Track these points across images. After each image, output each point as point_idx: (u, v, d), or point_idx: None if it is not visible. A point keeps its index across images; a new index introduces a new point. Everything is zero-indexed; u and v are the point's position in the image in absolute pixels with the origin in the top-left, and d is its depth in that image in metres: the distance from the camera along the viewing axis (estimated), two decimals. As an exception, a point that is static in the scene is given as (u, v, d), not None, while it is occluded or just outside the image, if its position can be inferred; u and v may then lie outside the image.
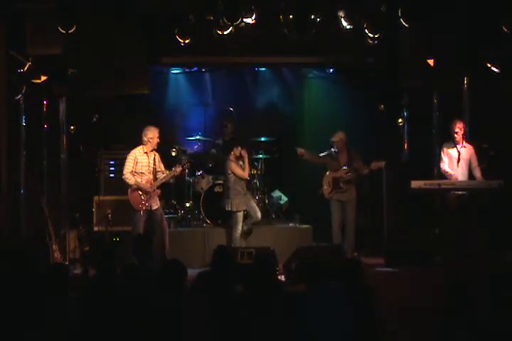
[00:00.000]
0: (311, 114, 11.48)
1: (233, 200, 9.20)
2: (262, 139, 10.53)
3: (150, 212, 8.69)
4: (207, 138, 10.71)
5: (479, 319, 4.59)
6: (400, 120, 10.35)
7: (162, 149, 9.11)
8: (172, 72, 11.28)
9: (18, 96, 8.77)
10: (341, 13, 8.65)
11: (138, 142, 8.79)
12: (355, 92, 10.66)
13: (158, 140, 8.76)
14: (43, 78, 8.89)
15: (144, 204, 8.59)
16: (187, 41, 8.64)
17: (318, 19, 8.52)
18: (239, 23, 8.46)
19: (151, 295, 4.99)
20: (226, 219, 9.65)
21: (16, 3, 8.47)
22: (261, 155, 10.45)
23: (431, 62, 8.93)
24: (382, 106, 10.39)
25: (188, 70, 11.37)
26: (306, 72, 11.46)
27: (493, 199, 8.79)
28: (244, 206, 9.26)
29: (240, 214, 9.24)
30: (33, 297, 4.88)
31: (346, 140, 9.43)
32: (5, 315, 4.75)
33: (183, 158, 9.42)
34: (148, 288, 5.20)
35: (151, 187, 8.65)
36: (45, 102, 9.38)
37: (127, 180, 8.64)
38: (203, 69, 11.31)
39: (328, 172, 9.49)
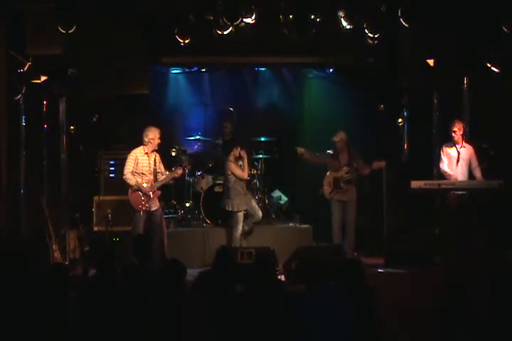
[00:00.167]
0: (311, 114, 11.48)
1: (234, 200, 9.20)
2: (262, 139, 10.53)
3: (150, 213, 8.69)
4: (207, 138, 10.71)
5: (479, 319, 4.59)
6: (400, 120, 10.36)
7: (162, 149, 9.10)
8: (172, 72, 11.28)
9: (18, 96, 8.77)
10: (341, 13, 8.65)
11: (138, 142, 8.79)
12: (355, 92, 10.66)
13: (159, 140, 8.75)
14: (43, 78, 8.89)
15: (144, 204, 8.59)
16: (187, 41, 8.64)
17: (318, 19, 8.52)
18: (239, 23, 8.46)
19: (151, 295, 4.99)
20: (226, 219, 9.65)
21: (15, 3, 8.47)
22: (261, 155, 10.44)
23: (431, 62, 8.93)
24: (382, 106, 10.39)
25: (188, 70, 11.37)
26: (306, 72, 11.46)
27: (493, 199, 8.79)
28: (245, 206, 9.26)
29: (241, 214, 9.24)
30: (33, 297, 4.88)
31: (347, 140, 9.43)
32: (5, 315, 4.75)
33: (184, 159, 9.42)
34: (148, 288, 5.20)
35: (151, 188, 8.65)
36: (45, 102, 9.38)
37: (128, 181, 8.64)
38: (203, 69, 11.31)
39: (328, 172, 9.49)
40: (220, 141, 10.61)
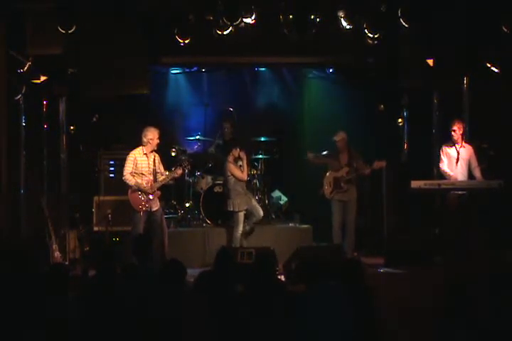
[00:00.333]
0: (311, 114, 11.48)
1: (234, 200, 9.20)
2: (262, 139, 10.52)
3: (150, 213, 8.68)
4: (207, 138, 10.71)
5: (479, 319, 4.59)
6: (400, 120, 10.36)
7: (162, 149, 9.10)
8: (172, 72, 11.28)
9: (18, 96, 8.77)
10: (341, 13, 8.65)
11: (138, 142, 8.77)
12: (355, 92, 10.66)
13: (158, 141, 8.74)
14: (43, 78, 8.89)
15: (144, 205, 8.58)
16: (187, 41, 8.63)
17: (318, 19, 8.52)
18: (239, 23, 8.46)
19: (151, 295, 4.99)
20: (226, 219, 9.65)
21: (16, 3, 8.47)
22: (261, 155, 10.45)
23: (431, 62, 8.93)
24: (382, 106, 10.40)
25: (187, 70, 11.36)
26: (306, 72, 11.45)
27: (493, 199, 8.79)
28: (246, 206, 9.26)
29: (241, 214, 9.24)
30: (33, 297, 4.88)
31: (347, 140, 9.44)
32: (5, 315, 4.75)
33: (184, 159, 9.42)
34: (148, 288, 5.20)
35: (151, 189, 8.64)
36: (45, 102, 9.38)
37: (127, 181, 8.63)
38: (203, 69, 11.30)
39: (328, 172, 9.49)
40: (220, 141, 10.61)
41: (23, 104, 8.94)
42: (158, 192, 8.73)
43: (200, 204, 9.90)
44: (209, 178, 10.17)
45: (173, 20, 8.62)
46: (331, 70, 11.11)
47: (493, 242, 8.47)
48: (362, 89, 10.50)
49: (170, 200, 10.22)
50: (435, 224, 9.37)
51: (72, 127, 9.81)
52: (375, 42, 8.80)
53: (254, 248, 8.47)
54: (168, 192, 9.79)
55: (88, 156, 10.02)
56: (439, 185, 8.76)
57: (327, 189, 9.43)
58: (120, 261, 5.92)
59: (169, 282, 5.02)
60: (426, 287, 6.86)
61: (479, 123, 9.41)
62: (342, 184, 9.37)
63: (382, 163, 9.30)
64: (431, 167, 9.68)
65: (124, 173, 8.65)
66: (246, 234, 9.39)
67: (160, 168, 8.84)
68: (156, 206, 8.73)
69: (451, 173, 8.94)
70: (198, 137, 10.59)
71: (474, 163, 8.98)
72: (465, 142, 9.00)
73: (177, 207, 10.27)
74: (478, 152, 9.07)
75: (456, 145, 8.96)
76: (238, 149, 9.29)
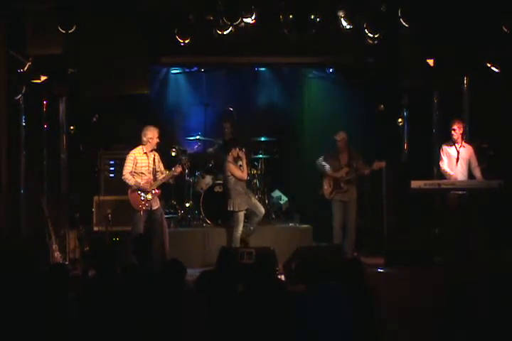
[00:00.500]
0: (311, 114, 11.48)
1: (235, 200, 9.20)
2: (262, 139, 10.52)
3: (150, 212, 8.68)
4: (207, 138, 10.71)
5: (479, 319, 4.59)
6: (400, 120, 10.36)
7: (162, 149, 9.10)
8: (172, 72, 11.28)
9: (18, 96, 8.77)
10: (341, 13, 8.65)
11: (138, 142, 8.77)
12: (355, 92, 10.65)
13: (158, 140, 8.73)
14: (43, 78, 8.89)
15: (144, 204, 8.58)
16: (187, 41, 8.63)
17: (318, 19, 8.51)
18: (239, 23, 8.46)
19: (151, 295, 4.99)
20: (226, 219, 9.65)
21: (16, 3, 8.46)
22: (261, 155, 10.44)
23: (431, 62, 8.92)
24: (382, 106, 10.39)
25: (188, 70, 11.36)
26: (306, 72, 11.44)
27: (493, 199, 8.79)
28: (246, 205, 9.26)
29: (242, 214, 9.24)
30: (33, 297, 4.88)
31: (347, 140, 9.44)
32: (5, 315, 4.75)
33: (183, 158, 9.42)
34: (148, 288, 5.20)
35: (151, 188, 8.64)
36: (45, 102, 9.38)
37: (127, 181, 8.62)
38: (203, 69, 11.31)
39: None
40: (220, 141, 10.61)
41: (23, 104, 8.94)
42: (158, 191, 8.73)
43: (200, 204, 9.90)
44: (209, 178, 10.17)
45: (173, 20, 8.61)
46: (331, 70, 11.10)
47: (493, 242, 8.47)
48: (362, 89, 10.50)
49: (170, 200, 10.22)
50: (435, 224, 9.37)
51: (72, 127, 9.81)
52: (375, 42, 8.80)
53: (254, 248, 8.48)
54: (168, 192, 9.79)
55: (88, 156, 10.01)
56: (439, 185, 8.75)
57: (327, 189, 9.43)
58: (120, 261, 5.92)
59: (169, 282, 5.02)
60: (426, 287, 6.86)
61: (479, 123, 9.41)
62: (342, 184, 9.37)
63: (382, 164, 9.30)
64: (431, 167, 9.68)
65: (124, 173, 8.64)
66: (250, 235, 9.37)
67: (160, 167, 8.83)
68: (156, 205, 8.72)
69: (451, 173, 8.94)
70: (198, 137, 10.59)
71: (474, 163, 8.98)
72: (465, 142, 9.00)
73: (177, 207, 10.26)
74: (478, 152, 9.07)
75: (456, 144, 8.96)
76: (237, 149, 9.29)
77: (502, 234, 8.56)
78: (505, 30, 8.48)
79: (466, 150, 8.98)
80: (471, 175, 9.00)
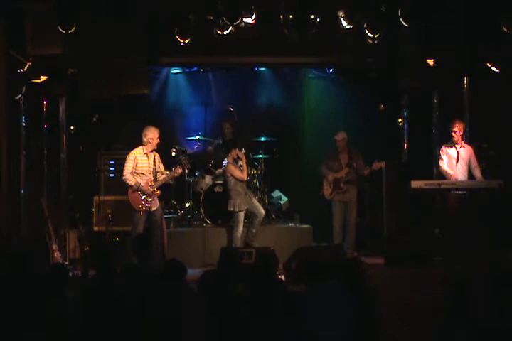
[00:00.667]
0: (311, 114, 11.47)
1: (235, 201, 9.20)
2: (262, 139, 10.52)
3: (150, 213, 8.67)
4: (207, 138, 10.71)
5: (479, 319, 4.59)
6: (400, 120, 10.37)
7: (162, 149, 9.10)
8: (172, 72, 11.28)
9: (18, 97, 8.77)
10: (341, 13, 8.64)
11: (138, 142, 8.77)
12: (355, 92, 10.66)
13: (158, 140, 8.73)
14: (43, 78, 8.90)
15: (144, 204, 8.58)
16: (187, 41, 8.62)
17: (318, 19, 8.51)
18: (239, 23, 8.45)
19: (151, 295, 4.99)
20: (226, 219, 9.65)
21: (15, 3, 8.47)
22: (261, 155, 10.44)
23: (431, 62, 8.92)
24: (382, 106, 10.39)
25: (188, 70, 11.36)
26: (306, 72, 11.45)
27: (493, 199, 8.78)
28: (246, 205, 9.26)
29: (242, 214, 9.24)
30: (32, 297, 4.88)
31: (347, 140, 9.44)
32: (5, 316, 4.75)
33: (183, 158, 9.41)
34: (148, 287, 5.20)
35: (151, 188, 8.64)
36: (45, 102, 9.39)
37: (127, 181, 8.62)
38: (203, 69, 11.31)
39: (329, 173, 9.49)
40: (219, 141, 10.61)
41: (23, 104, 8.94)
42: (158, 192, 8.72)
43: (200, 204, 9.90)
44: (209, 178, 10.18)
45: (173, 20, 8.61)
46: (331, 70, 11.11)
47: (493, 242, 8.46)
48: (362, 89, 10.51)
49: (170, 200, 10.22)
50: (435, 224, 9.37)
51: (72, 127, 9.81)
52: (375, 42, 8.79)
53: (254, 248, 8.48)
54: (168, 192, 9.78)
55: (88, 156, 10.01)
56: (439, 185, 8.75)
57: (327, 190, 9.43)
58: (120, 261, 5.92)
59: (169, 282, 5.01)
60: (426, 287, 6.86)
61: (479, 123, 9.41)
62: (342, 185, 9.37)
63: (381, 164, 9.30)
64: (431, 167, 9.69)
65: (124, 173, 8.64)
66: (253, 237, 9.36)
67: (160, 167, 8.83)
68: (155, 206, 8.72)
69: (451, 172, 8.94)
70: (198, 137, 10.58)
71: (474, 163, 8.97)
72: (465, 142, 9.00)
73: (177, 207, 10.26)
74: (478, 152, 9.07)
75: (456, 145, 8.96)
76: (237, 149, 9.29)
77: (502, 234, 8.56)
78: (505, 30, 8.48)
79: (465, 151, 8.98)
80: (471, 175, 8.99)
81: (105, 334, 4.85)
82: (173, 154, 10.07)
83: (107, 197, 9.66)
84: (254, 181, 10.22)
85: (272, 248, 8.33)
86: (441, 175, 9.12)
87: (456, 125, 8.93)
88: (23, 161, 9.04)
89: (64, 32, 8.33)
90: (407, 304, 6.53)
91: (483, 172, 8.94)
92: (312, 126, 11.31)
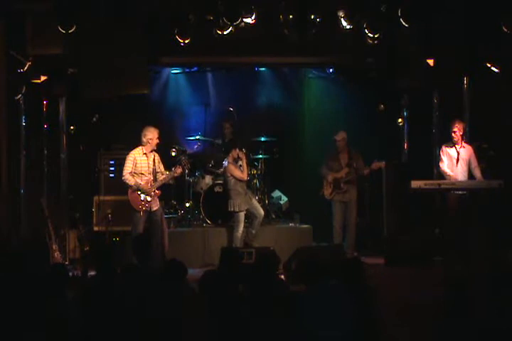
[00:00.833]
0: (311, 114, 11.47)
1: (235, 201, 9.20)
2: (262, 139, 10.52)
3: (150, 213, 8.67)
4: (207, 138, 10.71)
5: (479, 319, 4.59)
6: (400, 120, 10.38)
7: (162, 149, 9.10)
8: (172, 72, 11.28)
9: (18, 97, 8.78)
10: (341, 13, 8.65)
11: (138, 142, 8.77)
12: (355, 92, 10.67)
13: (158, 140, 8.73)
14: (43, 78, 8.90)
15: (144, 204, 8.58)
16: (187, 41, 8.63)
17: (318, 19, 8.51)
18: (239, 23, 8.45)
19: (151, 295, 4.99)
20: (226, 219, 9.65)
21: (16, 3, 8.47)
22: (261, 155, 10.44)
23: (431, 62, 8.92)
24: (382, 106, 10.40)
25: (188, 70, 11.37)
26: (306, 72, 11.45)
27: (493, 199, 8.79)
28: (246, 206, 9.26)
29: (242, 215, 9.24)
30: (32, 297, 4.88)
31: (347, 140, 9.45)
32: (5, 316, 4.75)
33: (183, 158, 9.42)
34: (148, 287, 5.20)
35: (151, 188, 8.64)
36: (45, 102, 9.39)
37: (127, 181, 8.62)
38: (203, 69, 11.31)
39: (329, 173, 9.49)
40: (219, 141, 10.61)
41: (23, 104, 8.95)
42: (158, 192, 8.72)
43: (200, 204, 9.90)
44: (209, 178, 10.17)
45: (173, 20, 8.61)
46: (331, 70, 11.11)
47: (493, 242, 8.47)
48: (362, 89, 10.51)
49: (170, 200, 10.22)
50: (435, 224, 9.38)
51: (72, 127, 9.82)
52: (375, 42, 8.79)
53: (254, 248, 8.48)
54: (168, 192, 9.78)
55: (88, 156, 10.02)
56: (439, 185, 8.75)
57: (327, 190, 9.44)
58: (120, 261, 5.92)
59: (169, 282, 5.01)
60: (426, 287, 6.87)
61: (479, 123, 9.42)
62: (341, 185, 9.38)
63: (381, 164, 9.31)
64: (431, 167, 9.70)
65: (124, 173, 8.64)
66: (254, 237, 9.36)
67: (160, 167, 8.83)
68: (155, 206, 8.72)
69: (451, 173, 8.93)
70: (198, 137, 10.58)
71: (474, 163, 8.98)
72: (465, 142, 9.00)
73: (177, 207, 10.27)
74: (478, 152, 9.07)
75: (456, 145, 8.96)
76: (237, 149, 9.29)
77: (502, 234, 8.56)
78: (505, 30, 8.48)
79: (465, 151, 8.98)
80: (471, 175, 9.00)
81: (105, 334, 4.85)
82: (173, 154, 10.08)
83: (107, 197, 9.67)
84: (254, 181, 10.22)
85: (271, 248, 8.33)
86: (441, 176, 9.12)
87: (456, 125, 8.94)
88: (23, 161, 9.05)
89: (64, 32, 8.33)
90: (407, 304, 6.54)
91: (483, 172, 8.94)
92: (312, 126, 11.31)
